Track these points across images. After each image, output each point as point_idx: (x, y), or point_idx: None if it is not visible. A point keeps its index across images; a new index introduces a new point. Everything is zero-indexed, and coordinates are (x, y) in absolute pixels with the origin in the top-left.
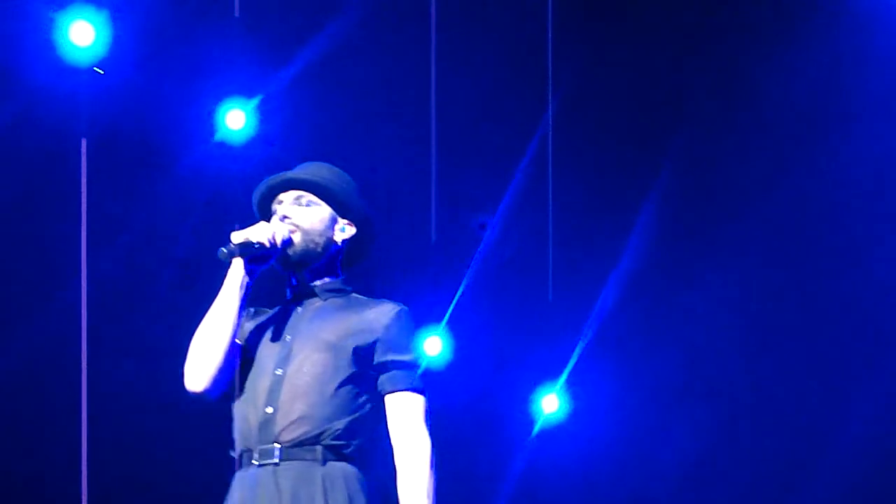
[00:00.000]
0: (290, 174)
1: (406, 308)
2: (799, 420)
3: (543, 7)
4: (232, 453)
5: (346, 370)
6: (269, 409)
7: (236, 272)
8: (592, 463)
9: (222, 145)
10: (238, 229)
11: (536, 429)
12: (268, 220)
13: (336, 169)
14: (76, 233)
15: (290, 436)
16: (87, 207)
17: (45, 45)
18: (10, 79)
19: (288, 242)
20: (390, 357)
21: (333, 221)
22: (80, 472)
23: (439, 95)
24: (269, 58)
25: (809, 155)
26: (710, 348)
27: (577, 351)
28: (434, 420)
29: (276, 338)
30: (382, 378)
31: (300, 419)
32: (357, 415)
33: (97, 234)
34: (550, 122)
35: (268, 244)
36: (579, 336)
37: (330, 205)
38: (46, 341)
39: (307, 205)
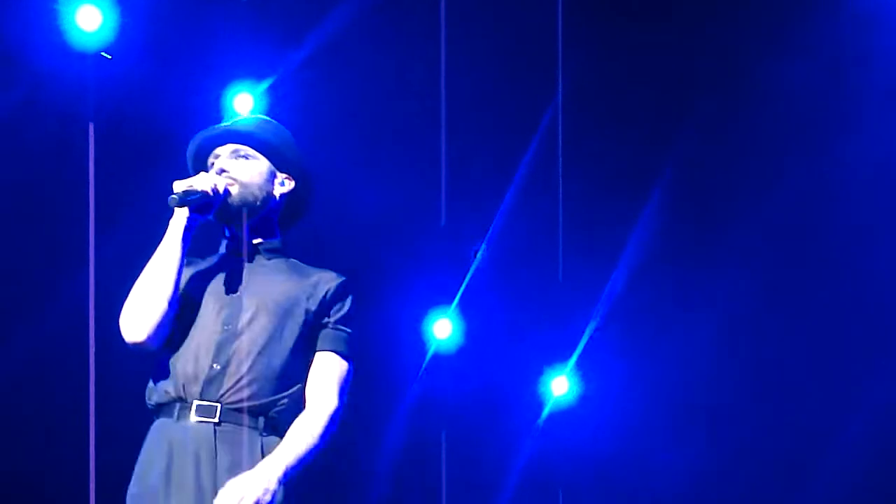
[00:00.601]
0: (226, 126)
1: (348, 279)
2: (799, 418)
3: None
4: (149, 401)
5: (292, 336)
6: (216, 366)
7: (179, 220)
8: (602, 445)
9: None
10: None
11: (546, 411)
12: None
13: (274, 122)
14: (84, 218)
15: (234, 397)
16: (95, 193)
17: (52, 31)
18: (18, 64)
19: (227, 192)
20: (326, 319)
21: (272, 175)
22: (88, 468)
23: (449, 78)
24: (277, 41)
25: (812, 151)
26: (718, 336)
27: (588, 333)
28: (444, 402)
29: (221, 293)
30: (318, 337)
31: (248, 383)
32: (300, 385)
33: (105, 220)
34: (560, 103)
35: (210, 192)
36: (590, 317)
37: (268, 158)
38: (53, 326)
39: (245, 157)
